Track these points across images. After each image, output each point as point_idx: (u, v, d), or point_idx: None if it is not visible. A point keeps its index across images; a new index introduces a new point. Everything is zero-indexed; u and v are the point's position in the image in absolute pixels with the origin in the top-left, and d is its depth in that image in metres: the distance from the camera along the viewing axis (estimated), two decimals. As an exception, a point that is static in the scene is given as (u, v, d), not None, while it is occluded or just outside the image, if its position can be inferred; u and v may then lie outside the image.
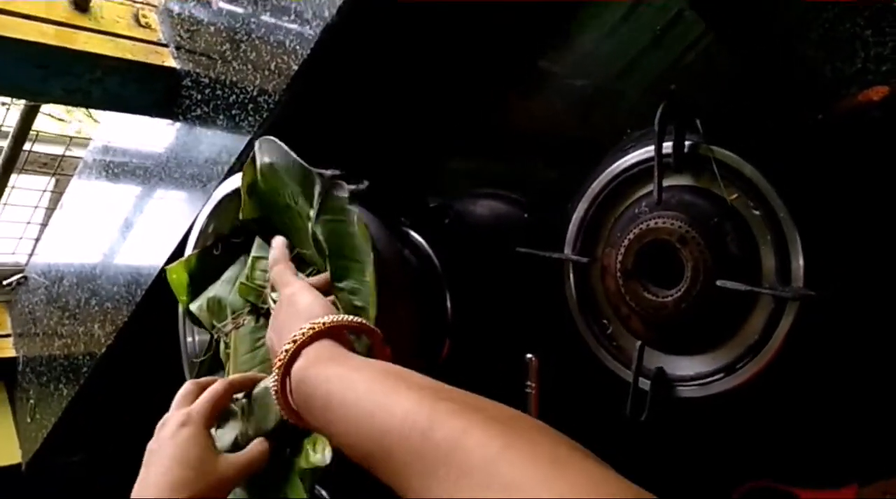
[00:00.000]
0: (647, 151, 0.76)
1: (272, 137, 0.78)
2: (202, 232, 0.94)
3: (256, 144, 0.80)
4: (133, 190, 1.21)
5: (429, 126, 0.99)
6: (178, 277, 0.94)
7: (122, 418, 1.35)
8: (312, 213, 0.74)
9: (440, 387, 0.49)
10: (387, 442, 0.44)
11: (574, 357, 0.83)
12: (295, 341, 0.58)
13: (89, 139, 1.36)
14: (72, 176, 1.40)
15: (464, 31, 0.92)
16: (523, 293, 0.90)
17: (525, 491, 0.35)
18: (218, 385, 0.71)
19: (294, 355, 0.57)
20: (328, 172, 0.73)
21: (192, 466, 0.62)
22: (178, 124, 1.09)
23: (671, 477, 0.79)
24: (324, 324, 0.59)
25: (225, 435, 0.74)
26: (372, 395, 0.48)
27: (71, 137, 1.43)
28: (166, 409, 0.71)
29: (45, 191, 1.49)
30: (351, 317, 0.61)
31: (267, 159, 0.80)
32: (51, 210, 1.51)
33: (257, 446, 0.70)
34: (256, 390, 0.78)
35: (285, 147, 0.76)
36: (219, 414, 0.71)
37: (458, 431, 0.40)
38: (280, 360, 0.58)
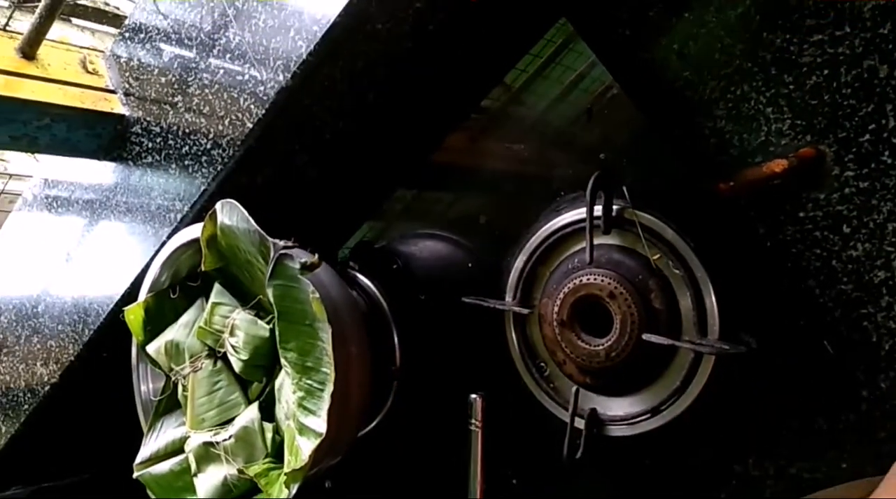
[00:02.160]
0: (579, 213, 0.85)
1: (233, 201, 0.82)
2: (156, 280, 0.97)
3: (218, 204, 0.85)
4: (78, 227, 1.22)
5: (379, 167, 1.05)
6: (136, 318, 0.96)
7: (63, 455, 1.36)
8: (265, 276, 0.80)
9: None
10: None
11: (515, 397, 0.90)
12: None
13: (29, 176, 1.35)
14: (7, 211, 1.39)
15: (421, 76, 0.99)
16: (468, 337, 0.97)
17: None
18: None
19: None
20: (281, 243, 0.78)
21: None
22: (127, 169, 1.11)
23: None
24: None
25: (209, 479, 0.78)
26: None
27: (10, 174, 1.42)
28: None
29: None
30: None
31: (227, 221, 0.84)
32: (-15, 244, 1.49)
33: None
34: (236, 430, 0.83)
35: (245, 213, 0.81)
36: None
37: None
38: None
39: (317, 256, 0.78)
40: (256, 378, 0.91)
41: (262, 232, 0.80)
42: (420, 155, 1.02)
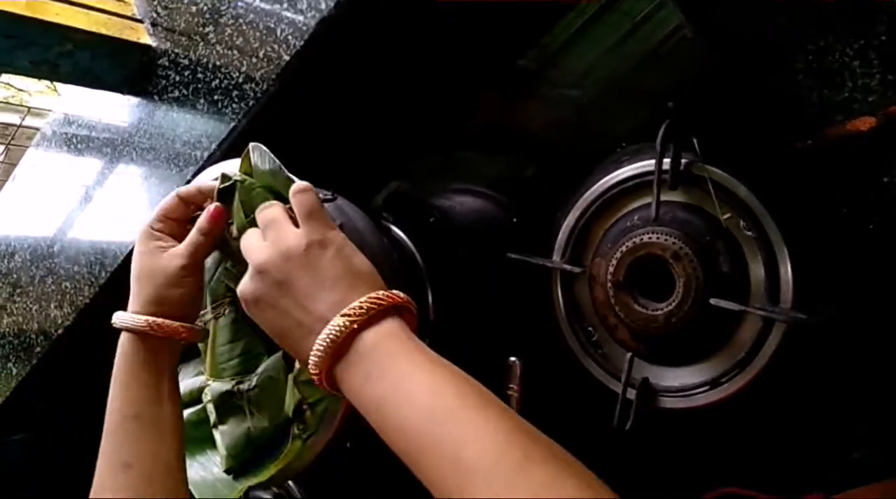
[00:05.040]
0: (643, 166, 0.78)
1: (263, 146, 0.77)
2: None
3: (250, 146, 0.79)
4: (98, 166, 1.17)
5: (415, 120, 0.98)
6: None
7: (72, 401, 1.31)
8: None
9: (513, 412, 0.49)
10: (468, 453, 0.44)
11: (557, 362, 0.84)
12: (378, 304, 0.51)
13: (48, 111, 1.29)
14: (25, 146, 1.34)
15: (457, 27, 0.91)
16: (507, 296, 0.91)
17: None
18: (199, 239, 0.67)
19: (371, 320, 0.51)
20: (321, 194, 0.72)
21: (140, 275, 0.66)
22: (151, 104, 1.05)
23: (646, 482, 0.82)
24: (401, 298, 0.53)
25: (231, 430, 0.73)
26: (463, 411, 0.46)
27: (28, 107, 1.36)
28: None
29: (-4, 161, 1.42)
30: (407, 296, 0.56)
31: (260, 166, 0.78)
32: (2, 181, 1.44)
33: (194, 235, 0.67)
34: (260, 380, 0.77)
35: (277, 161, 0.75)
36: (168, 222, 0.69)
37: (552, 477, 0.42)
38: (354, 316, 0.50)
39: (340, 222, 0.72)
40: None
41: (292, 177, 0.74)
42: (463, 103, 0.95)
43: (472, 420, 0.45)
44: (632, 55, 0.83)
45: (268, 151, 0.78)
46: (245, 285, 0.58)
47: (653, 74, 0.81)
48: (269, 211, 0.61)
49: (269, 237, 0.58)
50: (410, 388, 0.48)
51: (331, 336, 0.50)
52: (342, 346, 0.50)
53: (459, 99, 0.95)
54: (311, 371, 0.52)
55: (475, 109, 0.95)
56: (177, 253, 0.65)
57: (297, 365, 0.77)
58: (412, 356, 0.50)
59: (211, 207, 0.67)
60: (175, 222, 0.68)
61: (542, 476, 0.42)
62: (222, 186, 0.81)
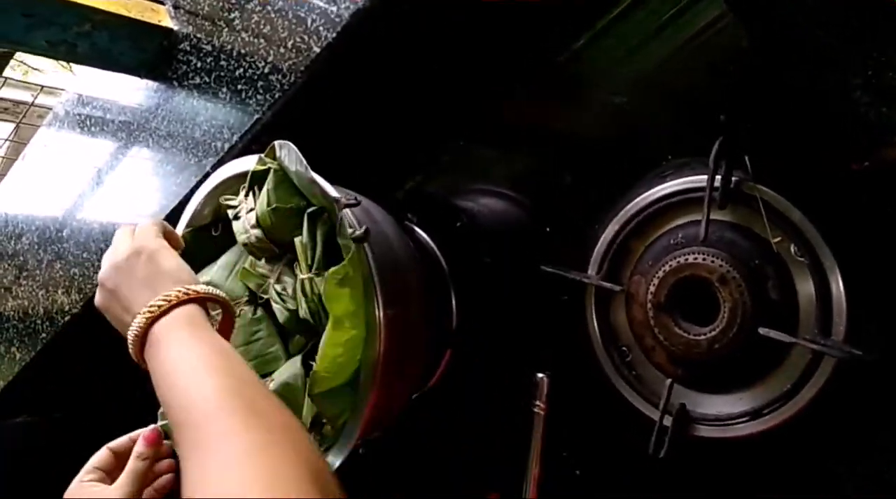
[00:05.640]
0: (691, 182, 0.74)
1: (291, 144, 0.73)
2: (197, 213, 0.87)
3: (276, 144, 0.75)
4: (111, 149, 1.13)
5: (446, 117, 0.94)
6: None
7: (77, 387, 1.29)
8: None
9: (248, 382, 0.55)
10: (183, 415, 0.52)
11: (587, 382, 0.81)
12: (169, 300, 0.60)
13: (61, 90, 1.25)
14: (36, 126, 1.30)
15: (494, 22, 0.87)
16: (536, 309, 0.87)
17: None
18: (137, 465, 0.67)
19: (164, 313, 0.60)
20: (343, 200, 0.69)
21: None
22: (170, 89, 1.01)
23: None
24: (196, 292, 0.62)
25: None
26: (194, 372, 0.54)
27: (41, 86, 1.31)
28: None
29: (5, 140, 1.37)
30: (218, 291, 0.65)
31: (286, 164, 0.74)
32: (10, 160, 1.40)
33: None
34: (276, 386, 0.76)
35: (304, 162, 0.72)
36: (98, 473, 0.68)
37: (223, 429, 0.49)
38: (150, 312, 0.59)
39: (365, 228, 0.69)
40: (299, 331, 0.82)
41: (322, 185, 0.71)
42: (497, 101, 0.91)
43: (194, 388, 0.53)
44: (680, 63, 0.78)
45: (296, 149, 0.74)
46: (96, 298, 0.67)
47: (702, 84, 0.77)
48: (117, 233, 0.70)
49: (109, 254, 0.67)
50: (165, 365, 0.57)
51: (134, 330, 0.59)
52: (143, 337, 0.59)
53: (493, 97, 0.91)
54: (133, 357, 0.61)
55: (509, 109, 0.91)
56: (118, 485, 0.65)
57: (310, 379, 0.73)
58: (179, 339, 0.58)
59: (146, 430, 0.69)
60: (104, 473, 0.68)
61: (224, 427, 0.49)
62: (258, 169, 0.78)
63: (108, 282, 0.65)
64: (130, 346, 0.60)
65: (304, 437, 0.52)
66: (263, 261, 0.82)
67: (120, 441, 0.70)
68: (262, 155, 0.78)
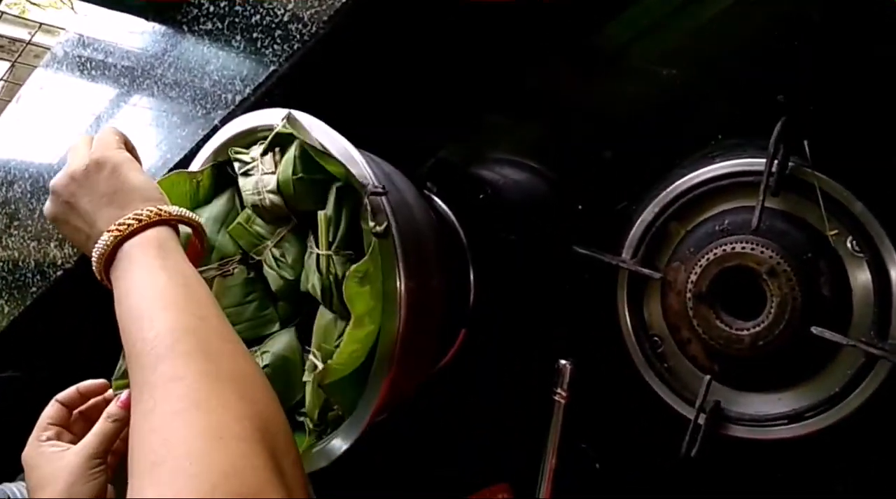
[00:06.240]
0: (741, 165, 0.69)
1: (314, 121, 0.68)
2: (208, 163, 0.81)
3: (297, 115, 0.70)
4: (112, 95, 1.06)
5: (476, 83, 0.87)
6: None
7: (67, 343, 1.23)
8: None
9: (207, 320, 0.52)
10: (136, 349, 0.49)
11: (613, 371, 0.76)
12: (140, 220, 0.57)
13: (61, 29, 1.18)
14: (32, 66, 1.22)
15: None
16: (561, 290, 0.82)
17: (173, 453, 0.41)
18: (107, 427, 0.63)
19: (134, 232, 0.57)
20: (370, 186, 0.65)
21: (36, 487, 0.61)
22: (179, 34, 0.94)
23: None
24: (169, 213, 0.59)
25: None
26: (152, 303, 0.51)
27: (40, 23, 1.24)
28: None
29: (-1, 79, 1.30)
30: (192, 214, 0.62)
31: (310, 140, 0.69)
32: (4, 101, 1.33)
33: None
34: (272, 359, 0.73)
35: (332, 133, 0.67)
36: (53, 429, 0.66)
37: (170, 373, 0.46)
38: (118, 231, 0.56)
39: (386, 224, 0.65)
40: (290, 300, 0.77)
41: (349, 168, 0.67)
42: (532, 70, 0.85)
43: (151, 318, 0.50)
44: (736, 37, 0.72)
45: (319, 124, 0.70)
46: (45, 207, 0.63)
47: (760, 61, 0.71)
48: (76, 139, 0.64)
49: (66, 161, 0.62)
50: (130, 289, 0.53)
51: (100, 249, 0.56)
52: (110, 256, 0.56)
53: (529, 66, 0.84)
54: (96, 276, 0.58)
55: (546, 79, 0.84)
56: (83, 446, 0.61)
57: (319, 365, 0.69)
58: (145, 262, 0.55)
59: (123, 394, 0.65)
60: (60, 428, 0.66)
61: (166, 373, 0.46)
62: (285, 131, 0.72)
63: (64, 192, 0.60)
64: (94, 263, 0.57)
65: (258, 386, 0.49)
66: (261, 221, 0.77)
67: (68, 393, 0.68)
68: (286, 118, 0.72)
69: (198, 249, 0.68)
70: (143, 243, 0.56)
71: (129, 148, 0.65)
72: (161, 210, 0.58)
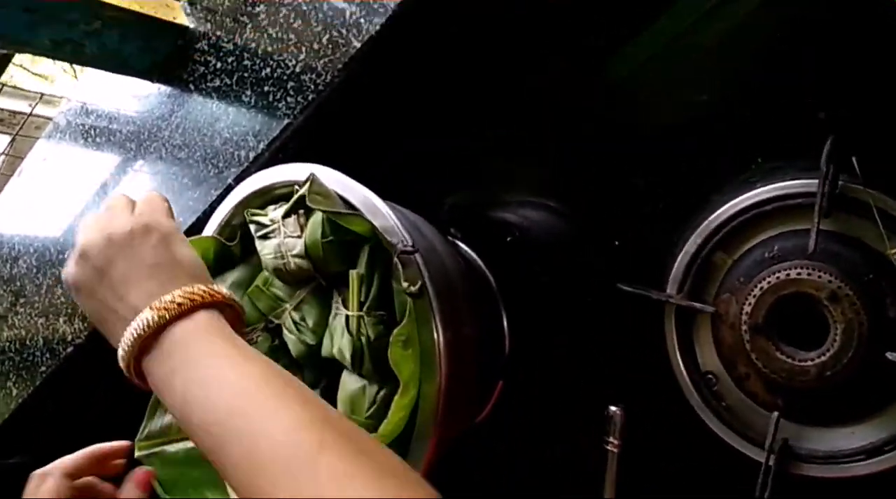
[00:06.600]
0: (782, 188, 0.66)
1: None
2: (225, 225, 0.78)
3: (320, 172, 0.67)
4: (118, 162, 1.03)
5: (496, 119, 0.85)
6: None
7: (79, 425, 1.18)
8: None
9: (324, 406, 0.45)
10: (262, 446, 0.41)
11: (668, 414, 0.72)
12: (192, 299, 0.49)
13: (61, 98, 1.16)
14: (34, 138, 1.20)
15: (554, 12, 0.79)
16: (603, 332, 0.78)
17: None
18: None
19: (184, 314, 0.48)
20: (400, 246, 0.62)
21: None
22: (185, 94, 0.92)
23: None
24: (222, 295, 0.51)
25: None
26: (263, 405, 0.43)
27: (41, 94, 1.22)
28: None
29: (0, 154, 1.27)
30: (235, 297, 0.53)
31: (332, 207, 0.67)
32: (5, 176, 1.30)
33: None
34: None
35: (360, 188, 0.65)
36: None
37: (341, 474, 0.39)
38: (165, 309, 0.48)
39: (420, 283, 0.62)
40: (311, 367, 0.73)
41: (378, 228, 0.64)
42: (553, 96, 0.82)
43: (272, 414, 0.42)
44: (770, 54, 0.70)
45: (342, 178, 0.67)
46: (68, 269, 0.54)
47: (798, 78, 0.68)
48: (114, 197, 0.57)
49: (100, 221, 0.54)
50: (213, 383, 0.45)
51: (139, 330, 0.48)
52: (150, 339, 0.48)
53: (548, 93, 0.82)
54: (120, 363, 0.50)
55: (568, 105, 0.81)
56: None
57: None
58: (219, 351, 0.47)
59: (140, 471, 0.61)
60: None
61: (333, 470, 0.39)
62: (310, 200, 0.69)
63: (98, 256, 0.51)
64: (127, 346, 0.48)
65: (413, 479, 0.41)
66: (280, 283, 0.73)
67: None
68: (309, 182, 0.69)
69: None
70: (202, 326, 0.49)
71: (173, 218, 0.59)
72: (214, 291, 0.51)
